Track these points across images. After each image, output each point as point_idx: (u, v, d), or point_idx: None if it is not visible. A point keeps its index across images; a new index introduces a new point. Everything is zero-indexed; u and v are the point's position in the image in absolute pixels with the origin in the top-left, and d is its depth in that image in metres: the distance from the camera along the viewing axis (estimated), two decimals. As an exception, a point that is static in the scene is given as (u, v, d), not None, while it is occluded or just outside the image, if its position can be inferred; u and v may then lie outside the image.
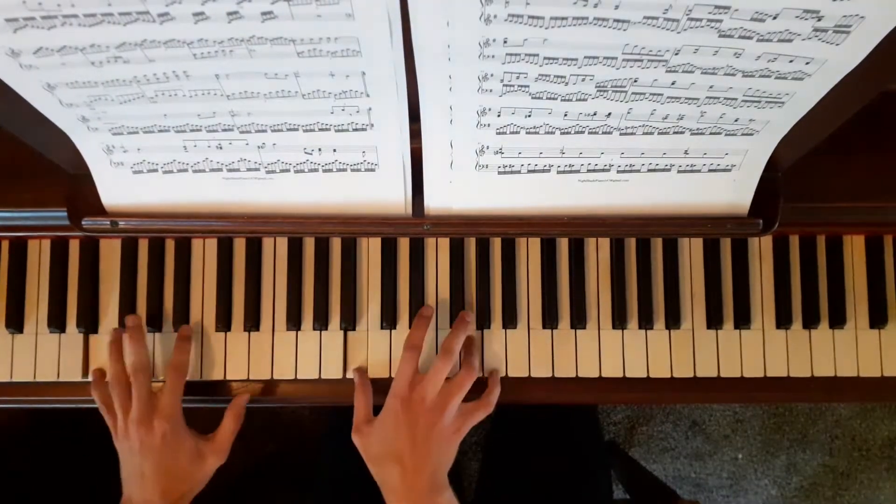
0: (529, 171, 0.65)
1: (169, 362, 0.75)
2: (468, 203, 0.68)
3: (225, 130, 0.60)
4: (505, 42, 0.48)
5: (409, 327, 0.77)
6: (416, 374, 0.72)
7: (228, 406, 0.76)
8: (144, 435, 0.70)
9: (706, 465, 1.65)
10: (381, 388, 0.76)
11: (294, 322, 0.77)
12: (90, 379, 0.76)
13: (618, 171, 0.65)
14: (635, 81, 0.53)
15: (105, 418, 0.73)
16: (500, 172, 0.65)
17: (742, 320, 0.78)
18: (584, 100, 0.55)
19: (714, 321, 0.78)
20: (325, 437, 1.09)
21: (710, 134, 0.60)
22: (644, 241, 0.78)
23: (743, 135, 0.61)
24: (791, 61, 0.50)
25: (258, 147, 0.62)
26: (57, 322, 0.77)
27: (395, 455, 0.69)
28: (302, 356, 0.77)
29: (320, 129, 0.60)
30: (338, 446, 0.97)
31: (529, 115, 0.57)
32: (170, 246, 0.78)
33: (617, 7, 0.45)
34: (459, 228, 0.70)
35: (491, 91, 0.54)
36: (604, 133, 0.60)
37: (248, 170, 0.65)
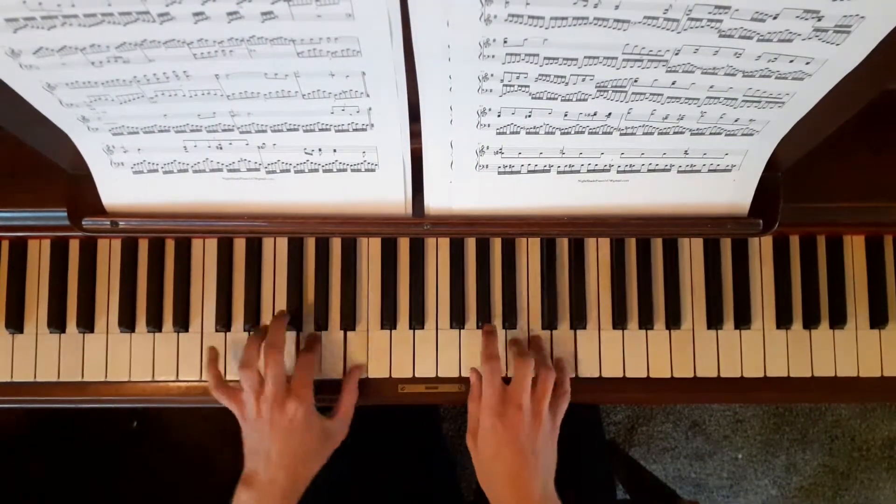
0: (529, 172, 0.65)
1: (303, 347, 0.76)
2: (468, 203, 0.68)
3: (225, 130, 0.60)
4: (505, 42, 0.48)
5: (409, 328, 0.77)
6: (503, 384, 0.71)
7: (343, 382, 0.76)
8: (277, 415, 0.70)
9: (706, 465, 1.65)
10: (380, 387, 0.76)
11: (294, 322, 0.77)
12: (205, 359, 0.77)
13: (618, 172, 0.65)
14: (635, 81, 0.53)
15: (227, 402, 0.73)
16: (500, 172, 0.65)
17: (742, 320, 0.78)
18: (585, 100, 0.55)
19: (714, 321, 0.78)
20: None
21: (711, 134, 0.60)
22: (644, 241, 0.78)
23: (743, 135, 0.61)
24: (791, 61, 0.50)
25: (258, 147, 0.62)
26: (57, 322, 0.77)
27: (504, 473, 0.68)
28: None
29: (320, 130, 0.60)
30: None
31: (529, 116, 0.57)
32: (170, 246, 0.78)
33: (617, 7, 0.44)
34: (459, 228, 0.70)
35: (491, 91, 0.54)
36: (604, 133, 0.60)
37: (249, 170, 0.65)
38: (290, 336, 0.77)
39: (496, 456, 0.69)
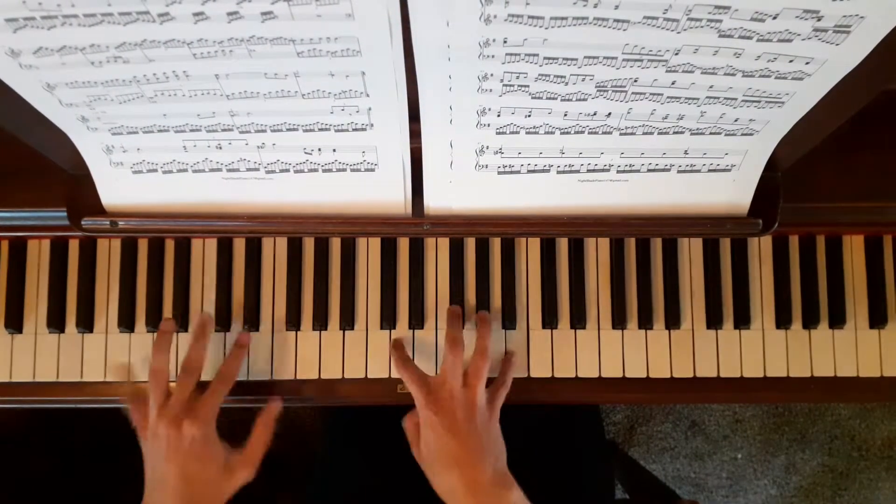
0: (529, 171, 0.65)
1: (219, 368, 0.73)
2: (468, 203, 0.68)
3: (224, 130, 0.60)
4: (505, 42, 0.48)
5: (409, 327, 0.77)
6: (426, 379, 0.71)
7: (259, 415, 0.73)
8: (174, 436, 0.66)
9: (705, 465, 1.65)
10: (379, 388, 0.76)
11: (294, 322, 0.77)
12: (109, 378, 0.74)
13: (617, 171, 0.65)
14: (635, 81, 0.53)
15: (131, 414, 0.70)
16: (499, 172, 0.65)
17: (742, 320, 0.78)
18: (584, 100, 0.55)
19: (714, 321, 0.78)
20: (324, 436, 1.09)
21: (710, 134, 0.60)
22: (644, 241, 0.78)
23: (743, 135, 0.61)
24: (791, 61, 0.50)
25: (258, 147, 0.62)
26: (56, 322, 0.77)
27: (449, 461, 0.67)
28: (301, 356, 0.77)
29: (320, 129, 0.60)
30: (337, 446, 0.97)
31: (529, 115, 0.57)
32: (169, 246, 0.78)
33: (617, 7, 0.45)
34: (459, 228, 0.70)
35: (491, 91, 0.54)
36: (604, 133, 0.60)
37: (248, 170, 0.65)
38: (289, 335, 0.77)
39: (440, 447, 0.67)
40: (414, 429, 0.72)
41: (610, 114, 0.57)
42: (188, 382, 0.69)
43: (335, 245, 0.78)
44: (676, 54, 0.49)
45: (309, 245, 0.78)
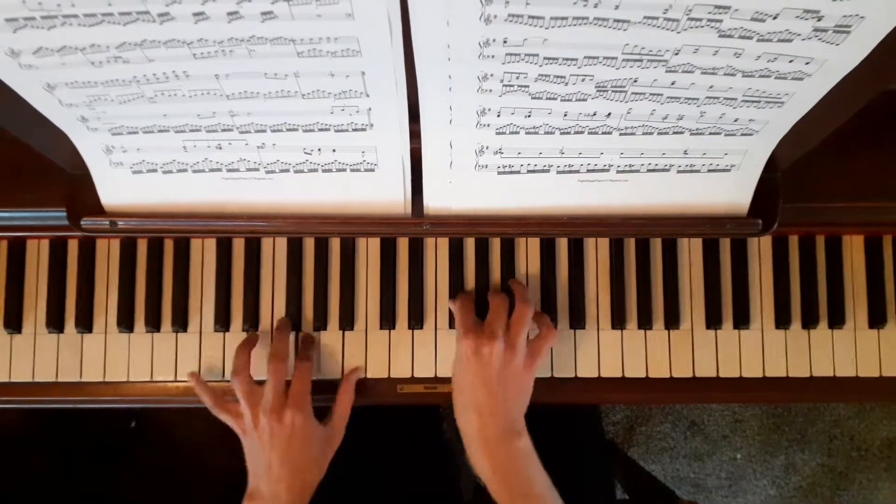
0: (529, 172, 0.65)
1: (297, 356, 0.75)
2: (468, 203, 0.68)
3: (224, 130, 0.60)
4: (505, 42, 0.48)
5: (408, 328, 0.77)
6: (475, 318, 0.72)
7: (341, 385, 0.76)
8: (276, 426, 0.69)
9: (705, 466, 1.65)
10: (379, 388, 0.76)
11: (293, 322, 0.77)
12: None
13: (617, 172, 0.65)
14: (635, 81, 0.53)
15: (227, 418, 0.72)
16: (499, 172, 0.65)
17: (741, 320, 0.78)
18: (584, 100, 0.55)
19: (713, 321, 0.78)
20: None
21: (710, 134, 0.60)
22: (643, 241, 0.78)
23: (742, 135, 0.61)
24: (791, 61, 0.50)
25: (258, 147, 0.62)
26: (55, 322, 0.77)
27: (473, 403, 0.68)
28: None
29: (320, 130, 0.60)
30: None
31: (529, 116, 0.57)
32: (169, 246, 0.78)
33: (617, 7, 0.45)
34: (459, 228, 0.70)
35: (491, 91, 0.54)
36: (603, 133, 0.60)
37: (248, 170, 0.65)
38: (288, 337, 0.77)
39: (468, 384, 0.69)
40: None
41: (610, 114, 0.57)
42: (280, 370, 0.71)
43: (335, 245, 0.78)
44: (676, 54, 0.49)
45: (309, 245, 0.78)
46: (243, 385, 0.71)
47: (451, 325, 0.77)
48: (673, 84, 0.53)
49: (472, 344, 0.69)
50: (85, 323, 0.77)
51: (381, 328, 0.77)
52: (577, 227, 0.70)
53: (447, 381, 0.74)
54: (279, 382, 0.71)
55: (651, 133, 0.60)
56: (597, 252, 0.79)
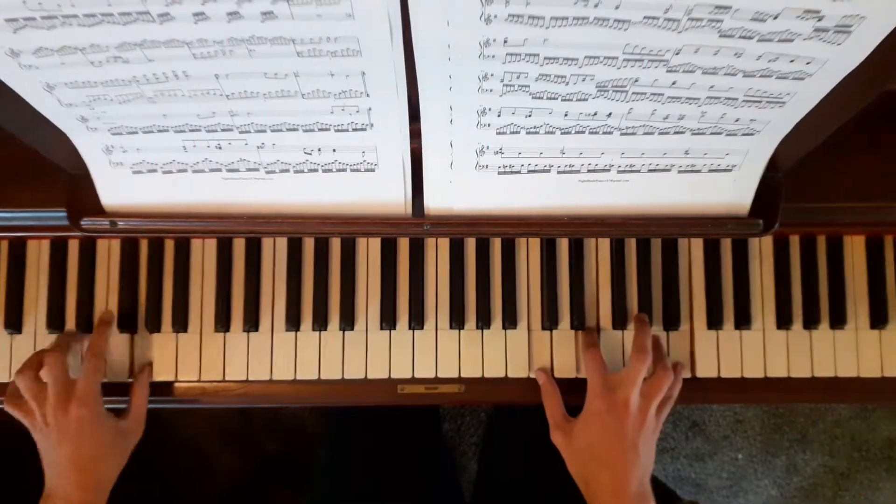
0: (529, 172, 0.65)
1: (85, 352, 0.74)
2: (468, 203, 0.68)
3: (224, 130, 0.60)
4: (505, 42, 0.48)
5: (409, 328, 0.77)
6: (607, 371, 0.72)
7: (133, 382, 0.76)
8: (62, 420, 0.68)
9: (706, 466, 1.65)
10: (379, 388, 0.76)
11: (293, 323, 0.77)
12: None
13: (618, 172, 0.65)
14: (636, 81, 0.53)
15: (17, 414, 0.71)
16: (500, 172, 0.65)
17: (742, 321, 0.78)
18: (585, 100, 0.55)
19: (714, 322, 0.78)
20: (324, 437, 1.09)
21: (711, 134, 0.60)
22: (644, 242, 0.78)
23: (744, 135, 0.61)
24: (792, 61, 0.50)
25: (258, 147, 0.62)
26: (56, 322, 0.77)
27: (604, 458, 0.69)
28: (301, 357, 0.77)
29: (320, 129, 0.60)
30: (337, 447, 0.97)
31: (530, 115, 0.57)
32: (169, 246, 0.78)
33: (617, 7, 0.44)
34: (459, 229, 0.70)
35: (491, 91, 0.54)
36: (604, 133, 0.60)
37: (248, 170, 0.65)
38: (288, 336, 0.77)
39: (600, 441, 0.69)
40: (558, 404, 0.74)
41: (610, 114, 0.57)
42: (55, 362, 0.70)
43: (335, 245, 0.78)
44: (677, 54, 0.49)
45: (309, 245, 0.78)
46: (26, 382, 0.70)
47: (452, 325, 0.77)
48: (674, 84, 0.53)
49: (608, 403, 0.70)
50: (85, 323, 0.77)
51: (382, 329, 0.77)
52: (578, 228, 0.70)
53: (447, 381, 0.74)
54: (58, 374, 0.70)
55: (652, 133, 0.60)
56: (598, 252, 0.79)
